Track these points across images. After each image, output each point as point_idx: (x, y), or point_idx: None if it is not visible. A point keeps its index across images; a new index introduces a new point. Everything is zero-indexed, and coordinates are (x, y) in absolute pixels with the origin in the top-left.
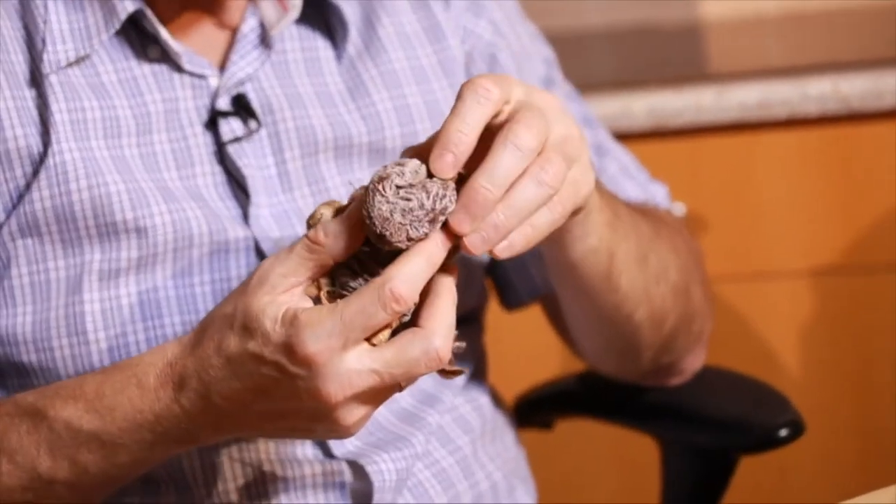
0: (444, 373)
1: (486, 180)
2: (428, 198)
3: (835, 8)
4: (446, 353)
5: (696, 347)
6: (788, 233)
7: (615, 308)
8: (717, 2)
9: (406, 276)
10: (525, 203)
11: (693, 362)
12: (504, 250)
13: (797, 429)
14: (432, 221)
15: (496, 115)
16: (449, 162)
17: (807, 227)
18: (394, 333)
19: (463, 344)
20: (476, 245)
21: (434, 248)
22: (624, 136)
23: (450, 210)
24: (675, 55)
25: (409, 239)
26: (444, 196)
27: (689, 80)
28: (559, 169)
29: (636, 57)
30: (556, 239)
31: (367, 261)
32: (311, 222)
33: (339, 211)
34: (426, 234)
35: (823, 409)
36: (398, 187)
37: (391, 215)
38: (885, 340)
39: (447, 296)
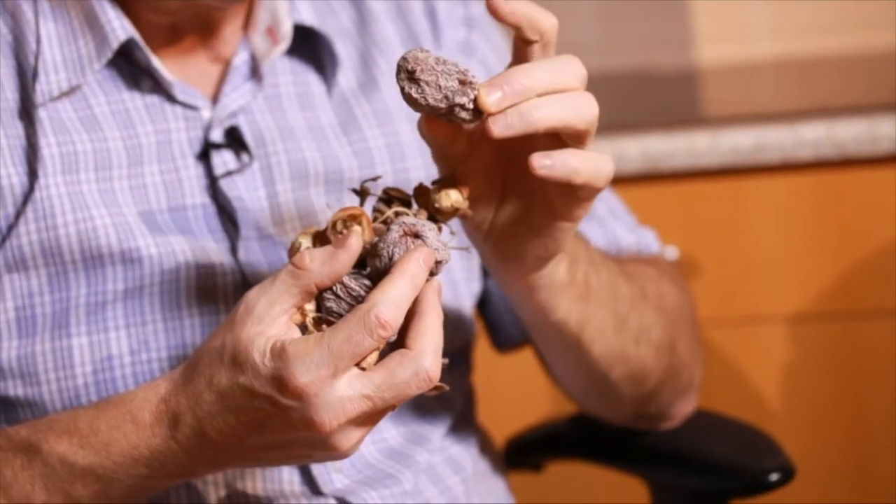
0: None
1: (526, 76)
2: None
3: (829, 53)
4: (436, 373)
5: (686, 395)
6: (780, 277)
7: (590, 367)
8: (712, 47)
9: (390, 301)
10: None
11: (683, 408)
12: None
13: (787, 473)
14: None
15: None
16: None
17: (799, 271)
18: (382, 354)
19: (446, 360)
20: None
21: (416, 269)
22: (617, 180)
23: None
24: (670, 99)
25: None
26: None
27: (683, 124)
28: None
29: (631, 101)
30: (525, 305)
31: (352, 285)
32: (292, 252)
33: (317, 237)
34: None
35: (814, 454)
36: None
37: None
38: (877, 385)
39: (432, 314)
